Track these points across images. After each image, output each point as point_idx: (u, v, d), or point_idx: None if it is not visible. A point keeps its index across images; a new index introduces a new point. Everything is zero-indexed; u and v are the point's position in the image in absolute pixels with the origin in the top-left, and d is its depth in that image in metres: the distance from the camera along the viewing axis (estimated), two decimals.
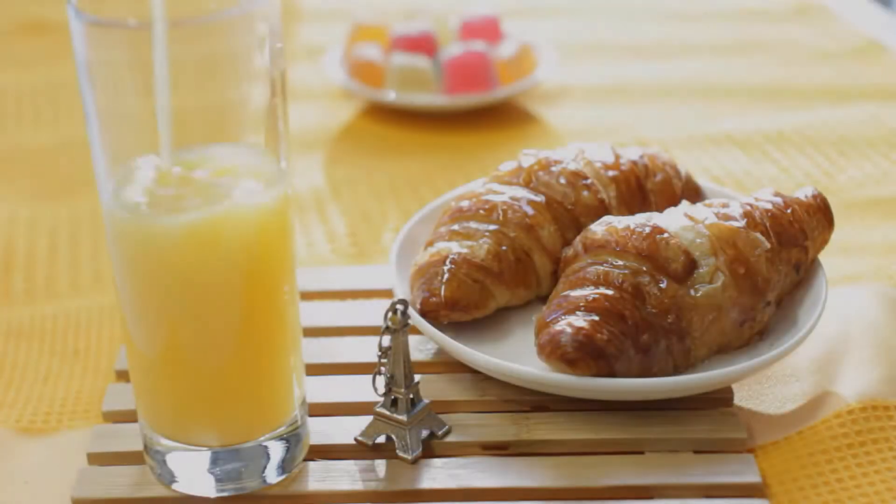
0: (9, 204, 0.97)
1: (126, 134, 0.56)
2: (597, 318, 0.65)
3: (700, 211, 0.70)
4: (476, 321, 0.72)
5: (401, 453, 0.64)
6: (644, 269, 0.67)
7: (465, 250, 0.72)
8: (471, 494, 0.62)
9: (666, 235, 0.67)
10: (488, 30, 1.15)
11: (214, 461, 0.61)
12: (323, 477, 0.63)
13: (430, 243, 0.74)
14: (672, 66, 1.22)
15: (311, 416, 0.65)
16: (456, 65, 1.08)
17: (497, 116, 1.11)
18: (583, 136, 1.05)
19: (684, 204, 0.72)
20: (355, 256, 0.88)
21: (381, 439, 0.65)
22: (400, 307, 0.62)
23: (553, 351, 0.65)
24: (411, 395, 0.64)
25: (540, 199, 0.74)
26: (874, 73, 1.18)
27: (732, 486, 0.61)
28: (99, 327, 0.79)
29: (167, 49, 0.52)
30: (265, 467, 0.62)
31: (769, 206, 0.71)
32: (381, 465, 0.64)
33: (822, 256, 0.74)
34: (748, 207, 0.70)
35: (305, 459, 0.64)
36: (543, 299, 0.73)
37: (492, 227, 0.73)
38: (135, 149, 0.56)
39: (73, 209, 0.95)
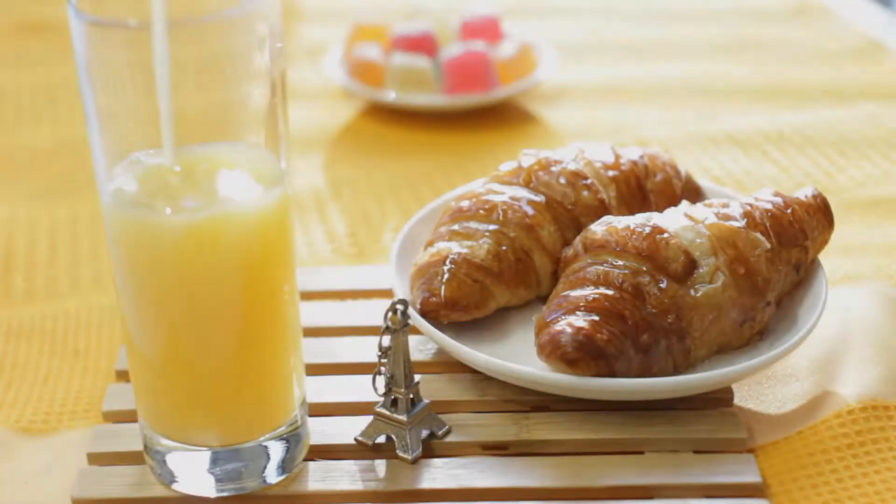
0: (9, 204, 0.97)
1: (126, 134, 0.56)
2: (597, 318, 0.65)
3: (700, 211, 0.70)
4: (476, 321, 0.72)
5: (401, 453, 0.64)
6: (644, 269, 0.67)
7: (465, 250, 0.72)
8: (471, 494, 0.62)
9: (666, 235, 0.67)
10: (488, 30, 1.15)
11: (214, 461, 0.61)
12: (323, 477, 0.63)
13: (430, 243, 0.74)
14: (672, 66, 1.22)
15: (311, 416, 0.65)
16: (456, 65, 1.08)
17: (497, 116, 1.11)
18: (583, 136, 1.05)
19: (684, 204, 0.72)
20: (355, 256, 0.88)
21: (381, 439, 0.65)
22: (400, 307, 0.62)
23: (553, 351, 0.65)
24: (411, 395, 0.64)
25: (540, 199, 0.74)
26: (874, 73, 1.18)
27: (732, 486, 0.61)
28: (99, 327, 0.79)
29: (167, 49, 0.52)
30: (265, 467, 0.62)
31: (769, 206, 0.71)
32: (381, 465, 0.64)
33: (822, 256, 0.74)
34: (748, 207, 0.70)
35: (305, 459, 0.64)
36: (543, 299, 0.73)
37: (492, 227, 0.73)
38: (135, 148, 0.56)
39: (73, 209, 0.95)
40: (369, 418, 0.65)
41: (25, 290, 0.84)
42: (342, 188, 0.99)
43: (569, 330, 0.65)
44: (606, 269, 0.67)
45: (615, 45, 1.29)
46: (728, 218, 0.69)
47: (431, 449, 0.65)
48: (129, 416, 0.67)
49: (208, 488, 0.62)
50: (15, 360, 0.76)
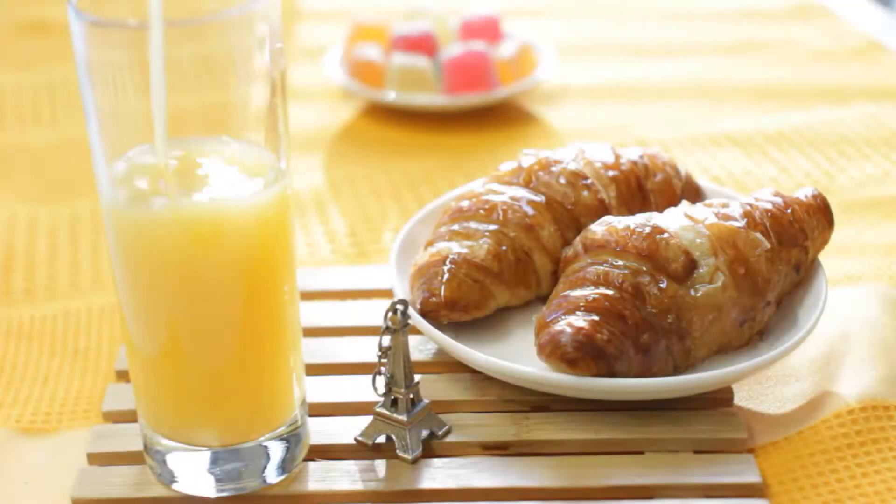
0: (9, 204, 0.97)
1: (126, 133, 0.56)
2: (597, 318, 0.65)
3: (700, 211, 0.70)
4: (476, 321, 0.72)
5: (401, 453, 0.64)
6: (644, 269, 0.67)
7: (465, 250, 0.72)
8: (471, 494, 0.62)
9: (666, 235, 0.67)
10: (488, 30, 1.15)
11: (214, 461, 0.61)
12: (323, 477, 0.63)
13: (430, 243, 0.74)
14: (672, 66, 1.22)
15: (311, 416, 0.65)
16: (456, 65, 1.08)
17: (497, 116, 1.10)
18: (583, 136, 1.05)
19: (684, 204, 0.72)
20: (355, 256, 0.88)
21: (381, 439, 0.65)
22: (400, 307, 0.62)
23: (553, 351, 0.65)
24: (411, 395, 0.64)
25: (540, 199, 0.74)
26: (874, 73, 1.18)
27: (732, 486, 0.61)
28: (99, 327, 0.79)
29: (163, 49, 0.52)
30: (265, 467, 0.62)
31: (769, 206, 0.71)
32: (381, 465, 0.64)
33: (822, 256, 0.74)
34: (748, 207, 0.70)
35: (305, 459, 0.64)
36: (543, 299, 0.73)
37: (492, 227, 0.73)
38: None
39: (73, 209, 0.95)
40: (369, 418, 0.65)
41: (25, 290, 0.84)
42: (342, 188, 0.99)
43: (569, 330, 0.65)
44: (606, 269, 0.67)
45: (615, 45, 1.29)
46: (728, 218, 0.69)
47: (431, 449, 0.65)
48: (128, 416, 0.67)
49: (208, 488, 0.62)
50: (15, 360, 0.76)
